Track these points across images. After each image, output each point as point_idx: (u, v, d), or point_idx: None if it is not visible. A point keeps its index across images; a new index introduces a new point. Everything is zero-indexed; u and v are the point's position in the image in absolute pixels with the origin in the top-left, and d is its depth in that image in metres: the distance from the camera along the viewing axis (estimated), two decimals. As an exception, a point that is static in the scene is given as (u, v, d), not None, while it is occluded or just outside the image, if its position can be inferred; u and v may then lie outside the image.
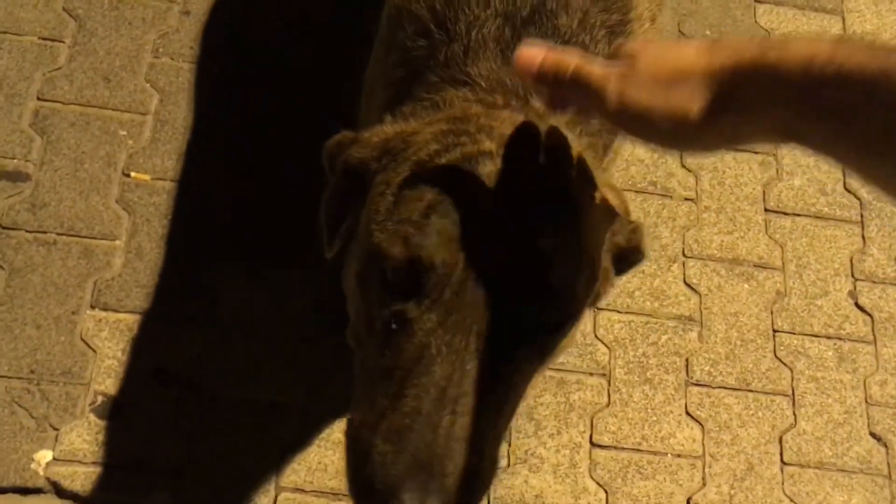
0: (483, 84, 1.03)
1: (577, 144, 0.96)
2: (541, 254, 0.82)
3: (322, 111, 2.04)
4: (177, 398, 1.77)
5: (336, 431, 1.78)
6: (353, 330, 1.01)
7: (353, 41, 2.04)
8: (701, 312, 2.00)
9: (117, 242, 1.88)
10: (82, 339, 1.79)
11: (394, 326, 0.85)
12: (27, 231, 1.86)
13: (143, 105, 2.01)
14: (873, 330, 2.04)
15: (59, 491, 1.68)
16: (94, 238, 1.87)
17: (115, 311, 1.82)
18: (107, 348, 1.79)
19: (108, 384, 1.76)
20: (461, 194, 0.83)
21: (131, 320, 1.81)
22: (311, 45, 2.12)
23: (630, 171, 2.10)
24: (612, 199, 0.97)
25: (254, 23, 2.13)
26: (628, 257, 0.99)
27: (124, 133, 1.98)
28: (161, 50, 2.08)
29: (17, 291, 1.81)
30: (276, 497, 1.72)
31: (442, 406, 0.79)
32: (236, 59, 2.09)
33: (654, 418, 1.89)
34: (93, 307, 1.82)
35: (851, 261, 2.10)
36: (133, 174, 1.94)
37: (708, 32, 2.30)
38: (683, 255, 2.05)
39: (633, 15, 1.15)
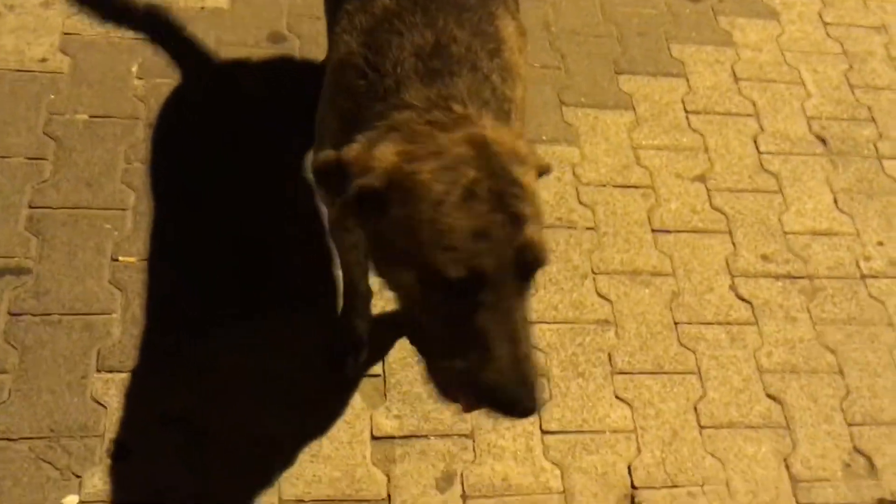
0: (420, 105, 1.43)
1: (507, 131, 1.42)
2: (522, 218, 1.29)
3: (277, 167, 2.44)
4: (183, 439, 2.02)
5: (325, 446, 2.06)
6: (406, 312, 1.42)
7: (297, 114, 2.46)
8: (614, 315, 2.40)
9: (114, 315, 2.17)
10: (93, 399, 2.04)
11: (464, 310, 1.27)
12: (33, 315, 2.13)
13: (123, 202, 2.35)
14: (754, 313, 2.48)
15: (87, 530, 1.89)
16: (93, 314, 2.16)
17: (120, 371, 2.09)
18: (116, 403, 2.04)
19: (121, 433, 2.01)
20: (478, 215, 1.26)
21: (134, 377, 2.08)
22: (251, 119, 2.52)
23: (539, 211, 2.54)
24: (524, 148, 1.40)
25: (201, 133, 2.53)
26: (543, 175, 1.46)
27: (109, 226, 2.30)
28: (132, 157, 2.44)
29: (31, 366, 2.06)
30: (280, 508, 1.98)
31: (518, 342, 1.28)
32: (192, 156, 2.47)
33: (591, 404, 2.25)
34: (99, 371, 2.08)
35: (727, 262, 2.56)
36: (121, 258, 2.25)
37: (583, 99, 2.82)
38: (592, 272, 2.47)
39: (505, 47, 1.61)
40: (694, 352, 2.38)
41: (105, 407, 2.04)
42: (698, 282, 2.51)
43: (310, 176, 2.43)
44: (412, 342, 1.45)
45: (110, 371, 2.09)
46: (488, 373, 1.25)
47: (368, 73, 1.52)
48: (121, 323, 2.16)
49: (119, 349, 2.12)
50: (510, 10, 1.75)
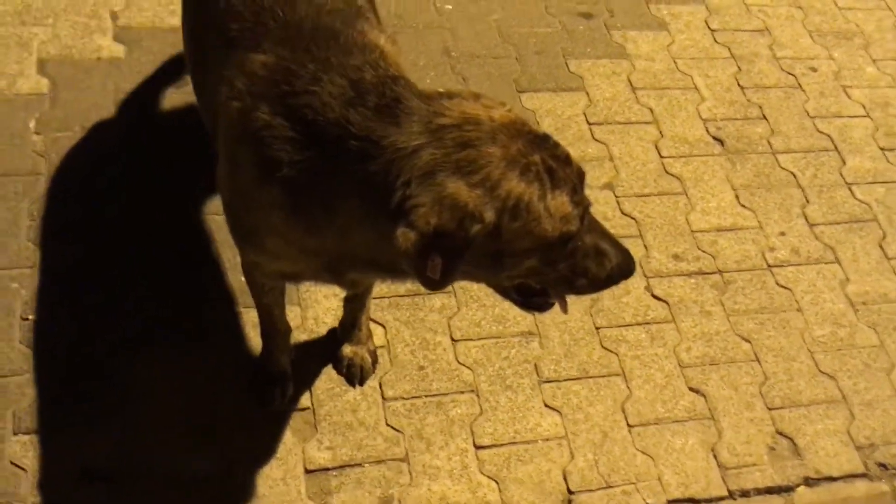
0: (424, 141, 1.40)
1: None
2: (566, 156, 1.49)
3: (181, 214, 2.42)
4: (105, 491, 1.97)
5: (258, 485, 2.03)
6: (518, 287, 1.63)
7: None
8: (537, 326, 2.44)
9: (26, 375, 2.10)
10: (12, 462, 1.97)
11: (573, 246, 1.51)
12: (-59, 384, 2.05)
13: (29, 259, 2.29)
14: (671, 311, 2.56)
15: None
16: (5, 376, 2.09)
17: (36, 432, 2.03)
18: (35, 465, 1.98)
19: (42, 496, 1.94)
20: (557, 180, 1.44)
21: (51, 434, 2.02)
22: (153, 168, 2.50)
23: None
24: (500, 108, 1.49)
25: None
26: None
27: (16, 285, 2.24)
28: (35, 214, 2.39)
29: (-59, 436, 1.98)
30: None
31: (607, 234, 1.59)
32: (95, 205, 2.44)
33: (521, 415, 2.27)
34: (15, 433, 2.02)
35: (641, 263, 2.64)
36: (31, 316, 2.20)
37: (489, 119, 2.88)
38: (512, 286, 2.51)
39: (386, 51, 1.65)
40: (616, 354, 2.44)
41: (25, 470, 1.97)
42: (615, 286, 2.57)
43: (210, 220, 2.44)
44: (520, 304, 1.67)
45: (27, 433, 2.02)
46: (611, 265, 1.56)
47: (309, 144, 1.46)
48: (34, 383, 2.10)
49: (35, 409, 2.06)
50: (373, 23, 1.78)
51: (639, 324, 2.52)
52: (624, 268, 1.58)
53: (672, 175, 2.90)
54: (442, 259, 1.35)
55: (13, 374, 2.10)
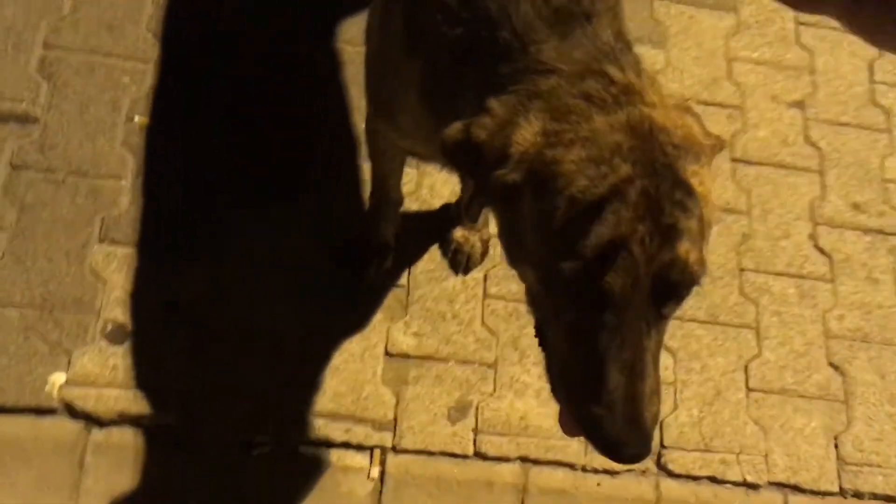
0: (567, 69, 1.12)
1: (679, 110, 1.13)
2: (677, 232, 1.02)
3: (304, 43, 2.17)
4: (184, 328, 1.87)
5: (334, 356, 1.90)
6: (533, 302, 1.19)
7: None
8: (673, 252, 2.14)
9: (123, 182, 1.97)
10: (92, 272, 1.88)
11: (586, 327, 1.05)
12: (36, 171, 1.95)
13: (146, 53, 2.11)
14: (832, 269, 2.20)
15: (72, 411, 1.78)
16: (101, 178, 1.97)
17: (124, 245, 1.92)
18: (115, 280, 1.88)
19: (117, 313, 1.86)
20: (619, 223, 1.01)
21: (139, 254, 1.91)
22: None
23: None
24: (700, 134, 1.12)
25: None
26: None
27: (127, 80, 2.07)
28: (161, 2, 2.17)
29: (29, 226, 1.90)
30: (280, 419, 1.83)
31: (638, 376, 1.05)
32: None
33: (630, 348, 2.03)
34: (101, 241, 1.91)
35: (812, 206, 2.25)
36: (137, 118, 2.04)
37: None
38: (657, 199, 2.19)
39: None
40: (756, 304, 2.12)
41: (104, 282, 1.88)
42: (775, 225, 2.22)
43: (336, 46, 2.17)
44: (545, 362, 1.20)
45: (113, 243, 1.92)
46: (596, 406, 1.06)
47: (465, 19, 1.20)
48: (130, 192, 1.97)
49: (125, 221, 1.94)
50: None
51: (791, 275, 2.17)
52: (614, 434, 1.05)
53: (879, 106, 2.42)
54: (455, 167, 1.19)
55: (109, 177, 1.97)
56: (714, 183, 1.11)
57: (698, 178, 1.07)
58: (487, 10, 1.18)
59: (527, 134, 1.08)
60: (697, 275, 1.05)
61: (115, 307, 1.86)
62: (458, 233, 2.01)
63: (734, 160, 2.27)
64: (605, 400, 1.04)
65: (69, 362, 1.81)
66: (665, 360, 2.01)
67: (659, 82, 1.22)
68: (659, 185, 1.03)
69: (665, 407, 1.97)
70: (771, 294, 2.14)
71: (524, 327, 2.00)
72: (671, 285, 1.04)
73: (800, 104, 2.38)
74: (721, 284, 2.13)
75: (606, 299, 1.03)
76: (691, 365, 2.04)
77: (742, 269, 2.15)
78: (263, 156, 2.04)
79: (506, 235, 1.19)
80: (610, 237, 1.01)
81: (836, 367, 2.10)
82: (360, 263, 1.96)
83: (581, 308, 1.05)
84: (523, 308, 1.99)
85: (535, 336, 1.20)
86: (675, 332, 2.06)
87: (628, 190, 1.02)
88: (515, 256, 1.17)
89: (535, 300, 1.17)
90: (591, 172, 1.03)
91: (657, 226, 1.01)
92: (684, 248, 1.02)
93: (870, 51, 2.48)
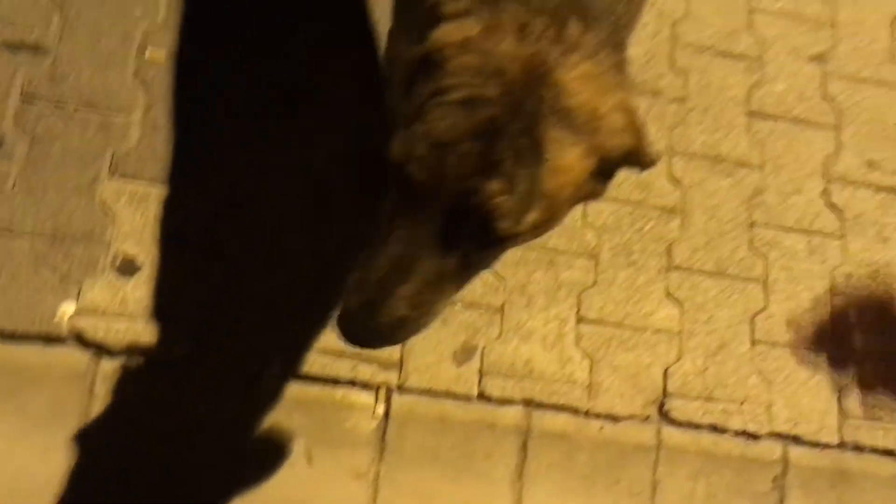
0: (535, 3, 1.11)
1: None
2: (497, 171, 1.02)
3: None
4: (195, 261, 1.87)
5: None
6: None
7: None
8: (684, 204, 2.13)
9: (134, 116, 1.96)
10: (102, 205, 1.88)
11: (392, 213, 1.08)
12: (47, 101, 1.94)
13: (158, -15, 2.08)
14: (843, 226, 2.19)
15: (82, 341, 1.79)
16: (112, 111, 1.96)
17: (134, 178, 1.91)
18: (125, 214, 1.89)
19: (128, 246, 1.87)
20: (451, 133, 1.02)
21: (149, 189, 1.91)
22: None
23: (623, 70, 2.21)
24: (619, 121, 1.11)
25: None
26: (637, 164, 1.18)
27: (140, 13, 2.05)
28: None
29: (39, 158, 1.89)
30: (289, 353, 1.85)
31: (397, 272, 1.05)
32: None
33: (637, 298, 2.03)
34: (111, 175, 1.91)
35: (826, 162, 2.23)
36: (149, 51, 2.02)
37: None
38: (669, 151, 2.17)
39: None
40: (765, 258, 2.12)
41: (114, 215, 1.88)
42: (787, 180, 2.20)
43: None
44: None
45: (123, 177, 1.91)
46: (349, 293, 1.07)
47: None
48: (140, 126, 1.96)
49: (135, 155, 1.93)
50: None
51: (801, 230, 2.16)
52: (346, 319, 1.06)
53: (900, 63, 2.39)
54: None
55: (120, 111, 1.96)
56: (583, 173, 1.09)
57: (559, 148, 1.04)
58: None
59: (454, 30, 1.10)
60: (500, 224, 1.03)
61: (126, 240, 1.87)
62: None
63: (750, 113, 2.24)
64: (356, 277, 1.07)
65: (79, 293, 1.82)
66: (671, 309, 2.02)
67: (629, 79, 1.25)
68: (510, 123, 1.02)
69: (669, 355, 1.99)
70: (780, 248, 2.14)
71: (532, 273, 2.00)
72: (473, 219, 1.03)
73: (819, 58, 2.34)
74: (731, 237, 2.12)
75: (409, 190, 1.03)
76: (697, 316, 2.04)
77: (752, 223, 2.14)
78: (273, 88, 2.02)
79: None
80: (439, 133, 1.01)
81: (841, 323, 2.10)
82: (377, 188, 1.95)
83: (394, 197, 1.07)
84: (532, 255, 2.01)
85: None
86: (683, 283, 2.06)
87: (479, 109, 1.02)
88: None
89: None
90: (464, 78, 1.04)
91: (484, 154, 1.01)
92: (497, 187, 1.01)
93: (893, 6, 2.44)
